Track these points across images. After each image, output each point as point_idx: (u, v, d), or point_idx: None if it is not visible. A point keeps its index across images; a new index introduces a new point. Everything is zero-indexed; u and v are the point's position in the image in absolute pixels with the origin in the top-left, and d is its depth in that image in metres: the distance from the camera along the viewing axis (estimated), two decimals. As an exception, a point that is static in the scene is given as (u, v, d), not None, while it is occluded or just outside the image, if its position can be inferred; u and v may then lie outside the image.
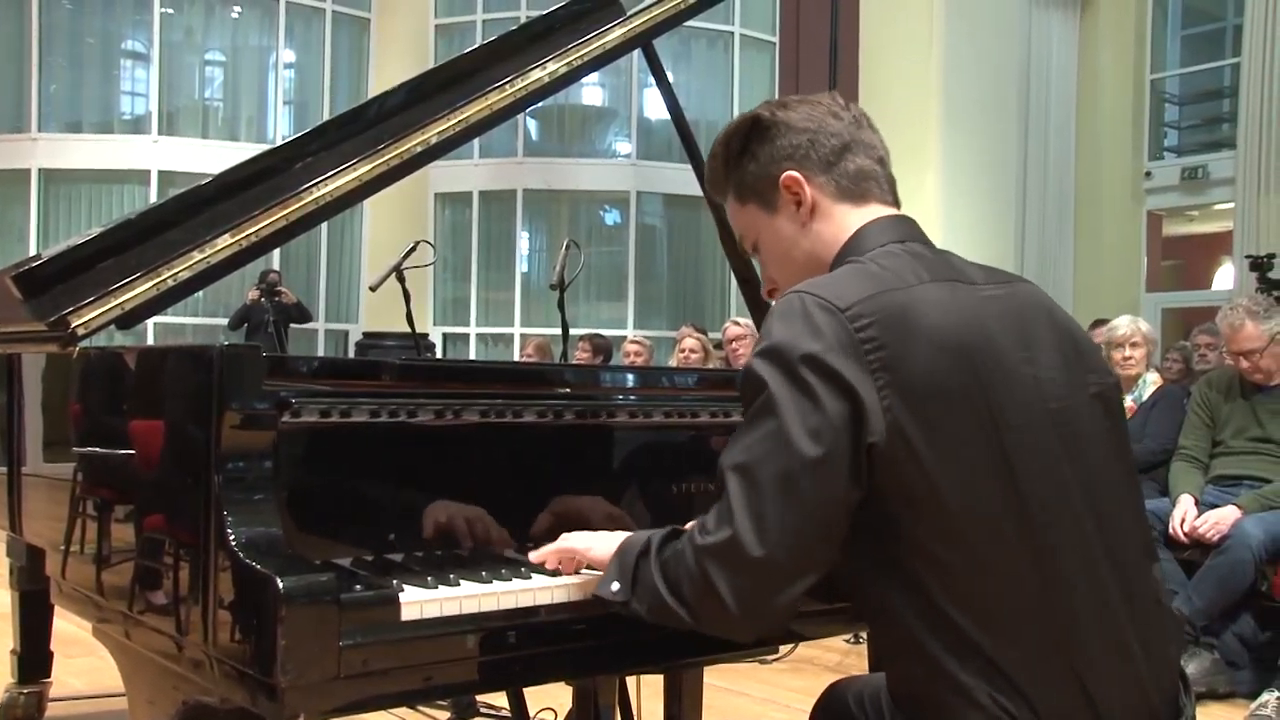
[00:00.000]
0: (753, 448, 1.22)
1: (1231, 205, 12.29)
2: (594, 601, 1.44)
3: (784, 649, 4.26)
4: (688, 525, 1.32)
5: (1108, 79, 13.29)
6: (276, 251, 12.49)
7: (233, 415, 1.33)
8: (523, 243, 13.45)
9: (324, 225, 13.71)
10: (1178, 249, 14.65)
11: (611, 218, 13.58)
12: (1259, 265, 10.24)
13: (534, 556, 1.51)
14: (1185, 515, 4.00)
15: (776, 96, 12.76)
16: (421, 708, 3.56)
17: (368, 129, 2.16)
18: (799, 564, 1.22)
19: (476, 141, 13.08)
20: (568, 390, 1.72)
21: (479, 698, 3.39)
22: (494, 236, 13.36)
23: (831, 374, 1.20)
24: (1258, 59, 11.84)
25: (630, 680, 2.46)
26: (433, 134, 2.16)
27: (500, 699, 3.39)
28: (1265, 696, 3.60)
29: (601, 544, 1.43)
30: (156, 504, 1.46)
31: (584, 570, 1.50)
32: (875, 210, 1.42)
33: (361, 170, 2.07)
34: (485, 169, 13.09)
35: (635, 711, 2.50)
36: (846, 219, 1.42)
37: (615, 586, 1.35)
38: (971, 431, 1.22)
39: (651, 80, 2.55)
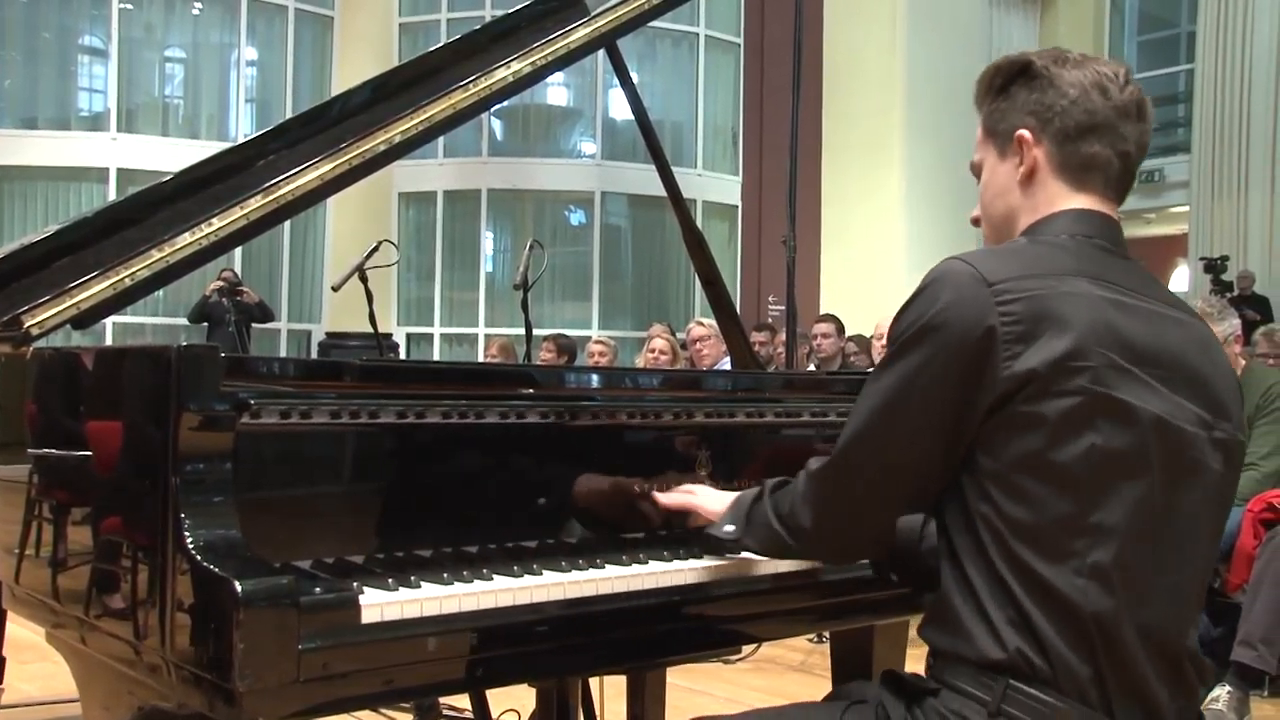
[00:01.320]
0: (872, 403, 1.36)
1: (1186, 209, 12.50)
2: (555, 604, 1.45)
3: (747, 649, 4.27)
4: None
5: None
6: (238, 250, 12.38)
7: (190, 416, 1.31)
8: (487, 243, 13.41)
9: (286, 225, 13.62)
10: (1135, 250, 14.71)
11: (576, 218, 13.57)
12: (1213, 267, 10.45)
13: (662, 498, 1.72)
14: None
15: (741, 98, 12.83)
16: (382, 710, 3.54)
17: (330, 127, 2.15)
18: (881, 499, 1.39)
19: (440, 141, 13.01)
20: (531, 391, 1.72)
21: (441, 699, 3.37)
22: (458, 236, 13.31)
23: (961, 342, 1.28)
24: (1210, 65, 12.09)
25: (593, 681, 2.46)
26: (396, 132, 2.14)
27: (463, 700, 3.37)
28: (1218, 691, 3.64)
29: (716, 501, 1.65)
30: (113, 507, 1.44)
31: (546, 572, 1.50)
32: (1087, 201, 1.43)
33: (324, 168, 2.05)
34: (449, 169, 13.03)
35: (598, 712, 2.50)
36: (1056, 197, 1.43)
37: (730, 528, 1.56)
38: (1086, 408, 1.26)
39: (616, 80, 2.55)
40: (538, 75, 2.34)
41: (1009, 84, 1.46)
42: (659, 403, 1.84)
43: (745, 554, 1.67)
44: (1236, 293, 9.98)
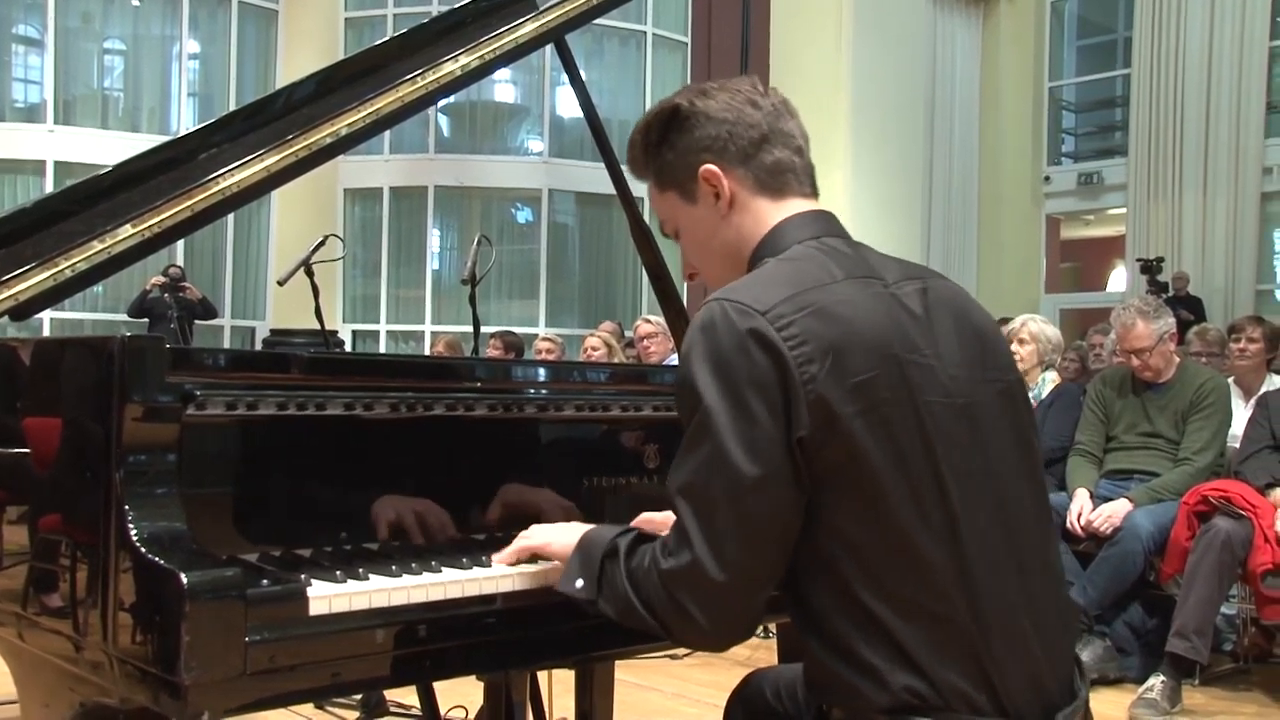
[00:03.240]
0: (698, 470, 1.25)
1: (1124, 210, 12.75)
2: (507, 595, 1.45)
3: (694, 644, 4.30)
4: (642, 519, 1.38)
5: (1008, 86, 13.68)
6: (181, 246, 12.18)
7: (134, 408, 1.29)
8: (434, 240, 13.32)
9: (230, 220, 13.45)
10: (1075, 252, 15.13)
11: (523, 216, 13.53)
12: (1149, 268, 10.68)
13: (498, 559, 1.51)
14: (1081, 509, 4.14)
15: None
16: (329, 706, 3.52)
17: (276, 120, 2.12)
18: (760, 577, 1.27)
19: (387, 137, 12.92)
20: (478, 384, 1.72)
21: (389, 695, 3.36)
22: (404, 233, 13.21)
23: (758, 381, 1.23)
24: (1145, 70, 12.37)
25: (542, 676, 2.46)
26: (342, 125, 2.13)
27: (410, 697, 3.36)
28: (1152, 681, 3.73)
29: (560, 539, 1.46)
30: (54, 500, 1.42)
31: (495, 564, 1.50)
32: (793, 205, 1.43)
33: (270, 160, 2.03)
34: (396, 165, 12.94)
35: (546, 708, 2.50)
36: (765, 213, 1.43)
37: (580, 583, 1.38)
38: (895, 420, 1.25)
39: (564, 78, 2.55)
40: (486, 69, 2.33)
41: (665, 134, 1.46)
42: (608, 396, 1.85)
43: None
44: (1171, 293, 10.20)
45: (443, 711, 2.52)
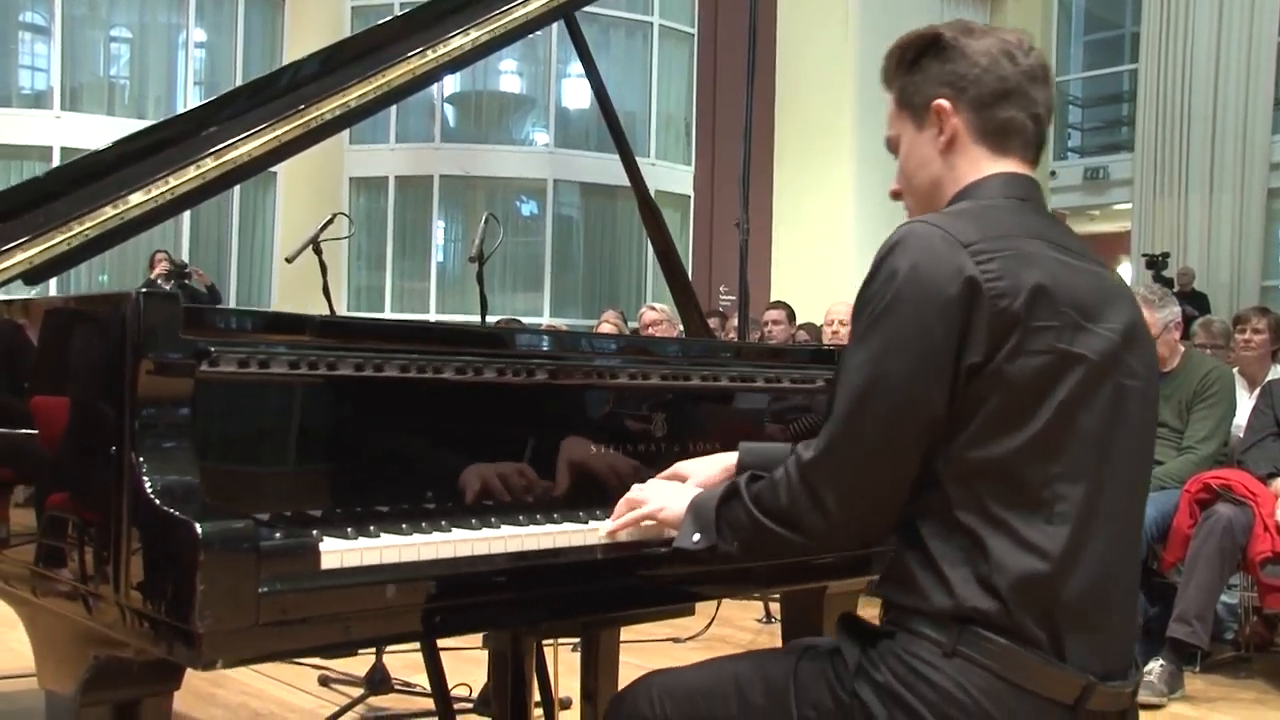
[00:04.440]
0: (862, 367, 1.32)
1: (1129, 206, 12.73)
2: (511, 555, 1.46)
3: (696, 628, 4.31)
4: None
5: None
6: (186, 233, 12.20)
7: (149, 361, 1.30)
8: (438, 231, 13.33)
9: (235, 208, 13.43)
10: (1079, 247, 15.07)
11: (528, 208, 13.53)
12: (1154, 264, 10.64)
13: (607, 527, 1.58)
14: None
15: (695, 88, 12.76)
16: (335, 684, 3.53)
17: (283, 95, 2.13)
18: (888, 478, 1.34)
19: (392, 126, 12.94)
20: (488, 349, 1.72)
21: (393, 673, 3.37)
22: (409, 224, 13.22)
23: (944, 302, 1.29)
24: (1153, 65, 12.33)
25: (548, 655, 2.47)
26: (352, 97, 2.14)
27: (414, 675, 3.37)
28: (1151, 665, 3.73)
29: (674, 502, 1.54)
30: (67, 455, 1.43)
31: (504, 526, 1.52)
32: (1008, 164, 1.46)
33: (279, 131, 2.05)
34: (401, 154, 12.94)
35: (552, 685, 2.51)
36: (979, 162, 1.46)
37: (696, 537, 1.44)
38: (1060, 373, 1.31)
39: (570, 70, 2.56)
40: (495, 44, 2.34)
41: (920, 57, 1.50)
42: (618, 363, 1.86)
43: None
44: (1177, 289, 10.18)
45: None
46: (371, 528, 1.41)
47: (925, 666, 1.29)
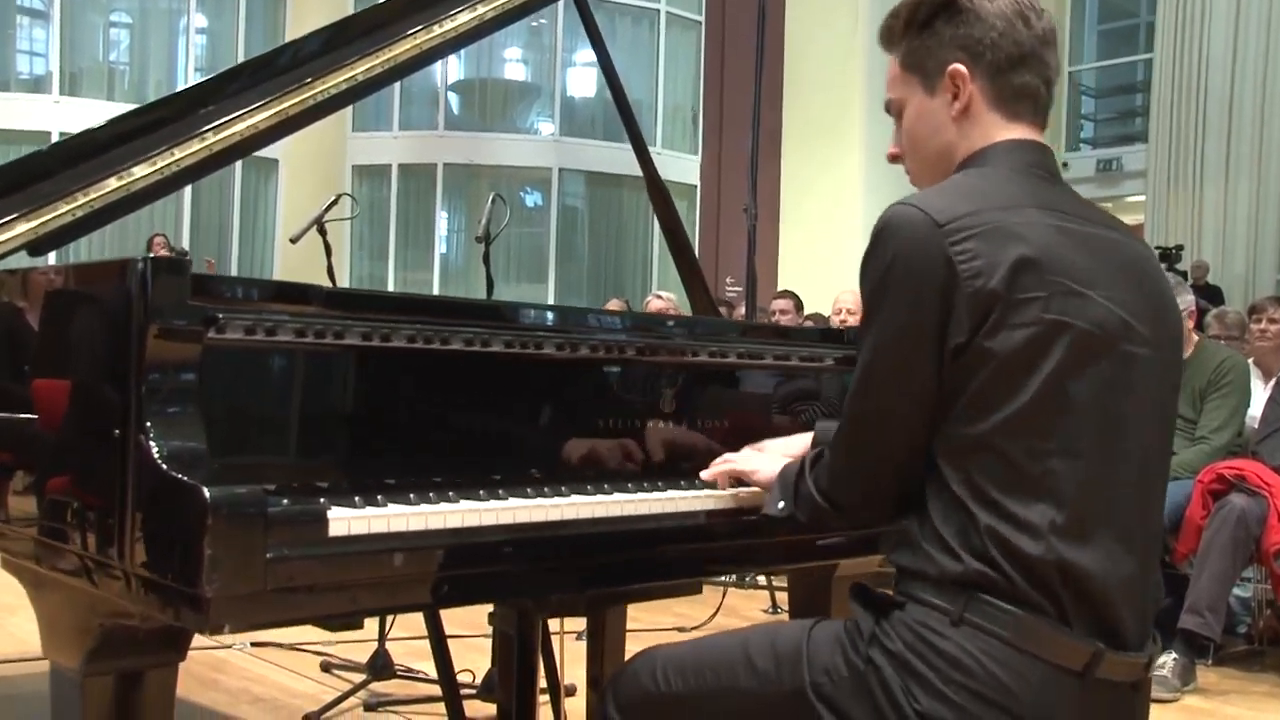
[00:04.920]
0: (860, 355, 1.38)
1: (1143, 198, 12.59)
2: (520, 526, 1.45)
3: (702, 618, 4.30)
4: None
5: None
6: (187, 221, 12.19)
7: (157, 326, 1.29)
8: (441, 223, 13.31)
9: (236, 196, 13.36)
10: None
11: (532, 199, 13.51)
12: (1168, 257, 10.50)
13: (705, 475, 1.72)
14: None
15: (702, 77, 12.70)
16: (337, 670, 3.52)
17: (284, 72, 2.11)
18: (876, 457, 1.39)
19: (396, 113, 12.92)
20: (497, 321, 1.71)
21: (396, 660, 3.36)
22: (413, 214, 13.20)
23: (923, 287, 1.29)
24: (1169, 55, 12.08)
25: (554, 643, 2.46)
26: (359, 70, 2.13)
27: (415, 660, 3.37)
28: (1163, 658, 3.68)
29: (766, 467, 1.61)
30: (72, 422, 1.42)
31: (512, 498, 1.50)
32: (1020, 130, 1.44)
33: (286, 104, 2.04)
34: (404, 142, 12.92)
35: (559, 670, 2.50)
36: (991, 129, 1.43)
37: (781, 504, 1.52)
38: (1050, 343, 1.29)
39: (575, 58, 2.56)
40: (504, 19, 2.33)
41: (932, 19, 1.45)
42: (626, 339, 1.84)
43: (705, 490, 1.70)
44: (1190, 283, 10.10)
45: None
46: (379, 497, 1.40)
47: (934, 635, 1.28)
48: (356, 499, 1.37)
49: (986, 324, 1.27)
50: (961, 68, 1.42)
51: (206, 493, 1.18)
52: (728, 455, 1.73)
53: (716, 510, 1.69)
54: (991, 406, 1.28)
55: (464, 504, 1.45)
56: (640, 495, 1.64)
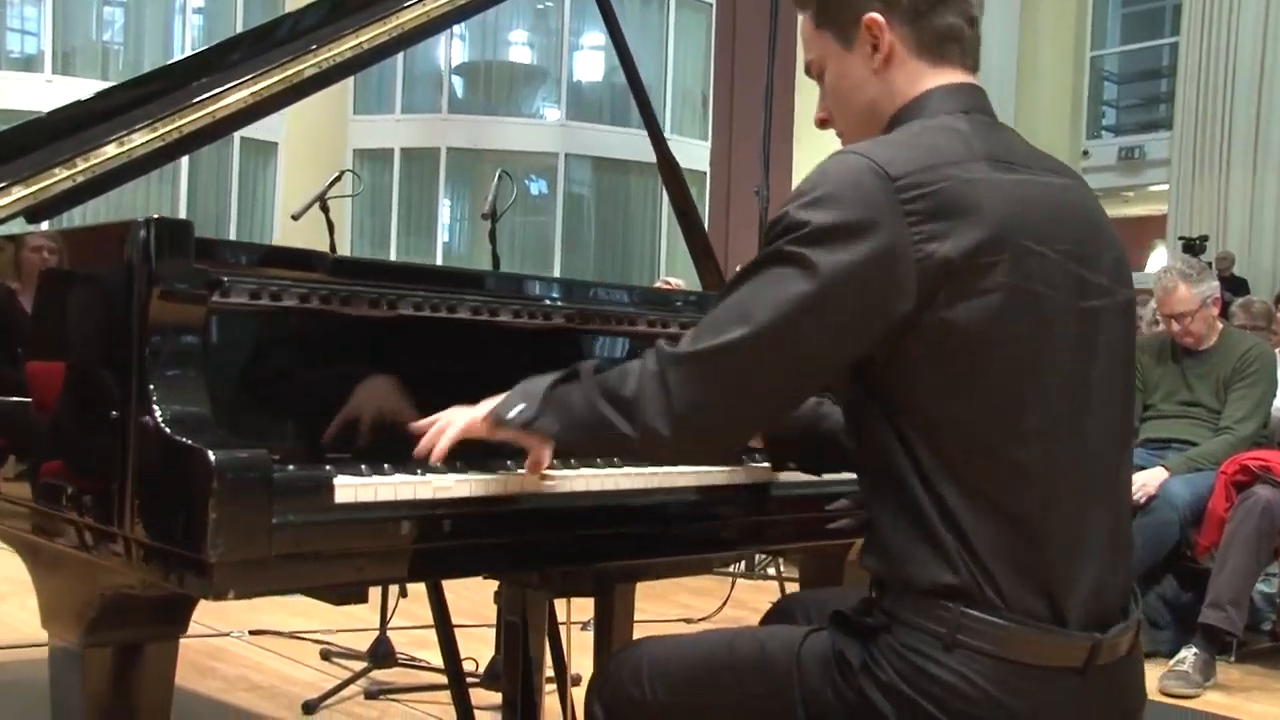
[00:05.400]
0: (766, 286, 1.23)
1: (1166, 187, 12.33)
2: (527, 497, 1.43)
3: (709, 610, 4.27)
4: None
5: (1047, 54, 13.06)
6: (184, 205, 12.14)
7: (160, 289, 1.27)
8: (444, 210, 13.27)
9: (234, 180, 13.30)
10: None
11: (537, 187, 13.46)
12: (1191, 247, 10.29)
13: (418, 452, 1.42)
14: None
15: (713, 60, 12.60)
16: (337, 659, 3.49)
17: (285, 43, 2.08)
18: (755, 397, 1.27)
19: (398, 96, 12.86)
20: (502, 291, 1.70)
21: (399, 648, 3.33)
22: (415, 201, 13.14)
23: (862, 239, 1.19)
24: (1195, 39, 11.64)
25: (561, 632, 2.43)
26: (364, 38, 2.10)
27: (418, 649, 3.35)
28: (1184, 653, 3.63)
29: (482, 408, 1.41)
30: (74, 386, 1.40)
31: (519, 470, 1.48)
32: (949, 75, 1.36)
33: (290, 71, 2.01)
34: (407, 125, 12.87)
35: (566, 660, 2.47)
36: (918, 76, 1.35)
37: (520, 407, 1.36)
38: (1007, 308, 1.22)
39: (582, 42, 2.53)
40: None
41: None
42: (633, 310, 1.83)
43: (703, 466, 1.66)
44: (1215, 274, 9.96)
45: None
46: (385, 465, 1.38)
47: (927, 662, 1.21)
48: (363, 467, 1.35)
49: (941, 294, 1.20)
50: (877, 16, 1.34)
51: (211, 456, 1.16)
52: (435, 424, 1.43)
53: (725, 485, 1.68)
54: (957, 385, 1.22)
55: (470, 474, 1.43)
56: (649, 469, 1.61)
